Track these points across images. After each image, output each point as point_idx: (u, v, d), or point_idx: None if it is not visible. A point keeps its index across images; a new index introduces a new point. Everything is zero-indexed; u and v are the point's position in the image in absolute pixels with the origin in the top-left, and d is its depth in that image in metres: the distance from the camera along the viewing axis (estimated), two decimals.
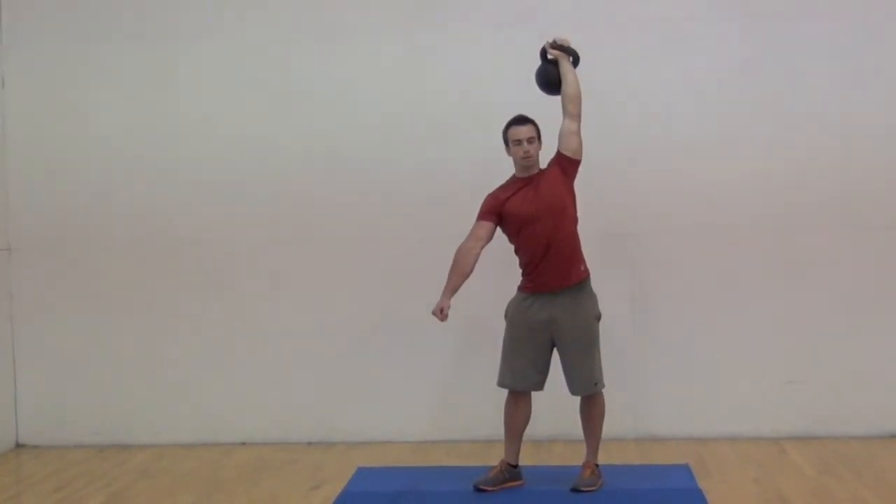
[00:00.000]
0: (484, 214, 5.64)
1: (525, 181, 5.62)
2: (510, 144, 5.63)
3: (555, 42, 5.72)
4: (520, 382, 5.68)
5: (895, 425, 6.63)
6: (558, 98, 5.68)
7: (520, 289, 5.72)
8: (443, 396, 6.74)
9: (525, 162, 5.60)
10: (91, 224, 6.92)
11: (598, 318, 5.70)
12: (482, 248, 5.61)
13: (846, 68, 6.61)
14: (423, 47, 6.77)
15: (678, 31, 6.67)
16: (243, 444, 6.85)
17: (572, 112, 5.64)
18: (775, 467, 6.06)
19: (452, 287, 5.58)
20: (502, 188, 5.68)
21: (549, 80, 5.72)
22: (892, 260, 6.63)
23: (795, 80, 6.62)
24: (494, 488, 5.66)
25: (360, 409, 6.82)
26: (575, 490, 5.60)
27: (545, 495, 5.62)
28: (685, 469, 6.00)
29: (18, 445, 6.96)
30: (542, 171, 5.65)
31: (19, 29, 6.92)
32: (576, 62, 5.73)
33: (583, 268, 5.64)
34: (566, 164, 5.63)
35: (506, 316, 5.75)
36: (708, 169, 6.67)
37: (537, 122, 5.66)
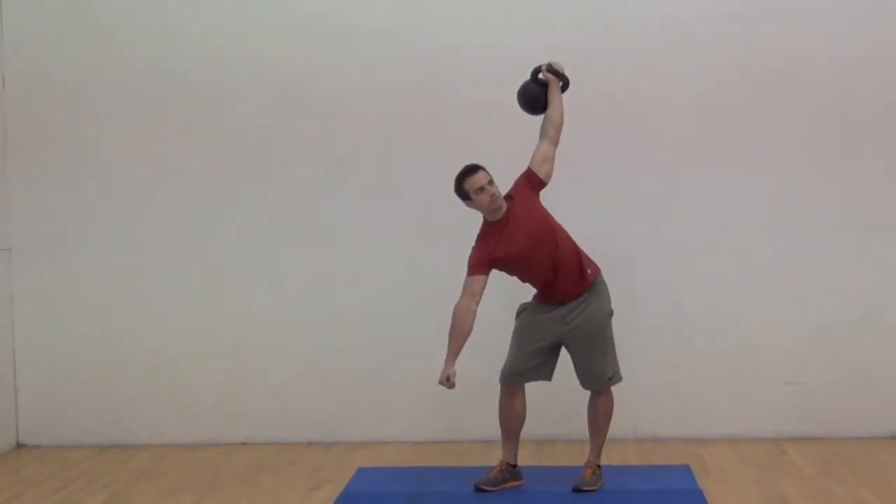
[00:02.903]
0: (475, 268, 5.52)
1: (503, 221, 5.54)
2: (472, 195, 5.50)
3: (550, 66, 5.72)
4: (520, 371, 5.67)
5: (895, 425, 6.64)
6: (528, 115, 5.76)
7: (535, 298, 5.73)
8: (443, 397, 6.71)
9: (494, 205, 5.50)
10: (91, 224, 6.92)
11: (611, 314, 5.70)
12: (478, 303, 5.49)
13: (846, 68, 6.61)
14: (426, 49, 6.76)
15: (678, 32, 6.66)
16: (244, 444, 6.86)
17: (554, 137, 5.66)
18: (775, 468, 6.06)
19: (455, 352, 5.49)
20: (485, 237, 5.56)
21: (534, 100, 5.73)
22: (891, 260, 6.63)
23: (795, 81, 6.62)
24: (495, 488, 5.67)
25: (360, 410, 6.83)
26: (576, 490, 5.61)
27: (545, 495, 5.63)
28: (685, 469, 6.00)
29: (19, 446, 6.96)
30: (511, 201, 5.58)
31: (20, 28, 6.91)
32: (564, 88, 5.74)
33: (590, 271, 5.63)
34: (536, 184, 5.63)
35: (517, 315, 5.76)
36: (708, 169, 6.67)
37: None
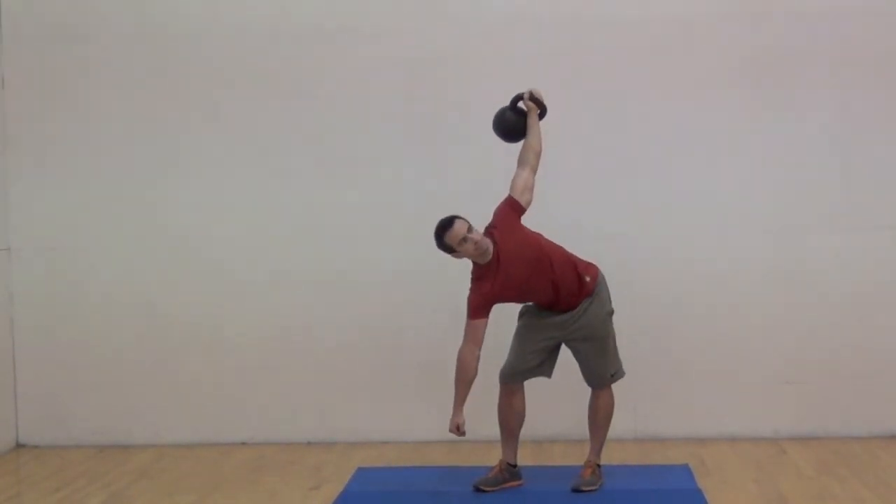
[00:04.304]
0: (475, 313, 5.49)
1: (494, 261, 5.49)
2: (456, 248, 5.46)
3: (531, 94, 5.72)
4: (521, 370, 5.67)
5: (895, 425, 6.64)
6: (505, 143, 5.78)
7: (537, 304, 5.73)
8: (443, 397, 6.71)
9: (479, 250, 5.45)
10: (90, 224, 6.92)
11: (611, 313, 5.70)
12: (481, 347, 5.49)
13: (846, 68, 6.61)
14: (426, 49, 6.76)
15: (679, 33, 6.66)
16: (243, 443, 6.86)
17: (535, 165, 5.65)
18: (775, 468, 6.07)
19: (462, 398, 5.51)
20: (480, 281, 5.50)
21: (512, 128, 5.72)
22: (891, 259, 6.63)
23: (796, 82, 6.63)
24: (494, 488, 5.67)
25: (360, 410, 6.83)
26: (575, 490, 5.61)
27: (545, 495, 5.63)
28: (685, 469, 6.01)
29: (19, 445, 6.96)
30: (496, 233, 5.54)
31: (20, 28, 6.91)
32: (541, 116, 5.74)
33: (588, 278, 5.61)
34: (519, 211, 5.59)
35: (519, 317, 5.76)
36: (708, 170, 6.67)
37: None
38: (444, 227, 5.49)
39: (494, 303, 5.53)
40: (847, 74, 6.61)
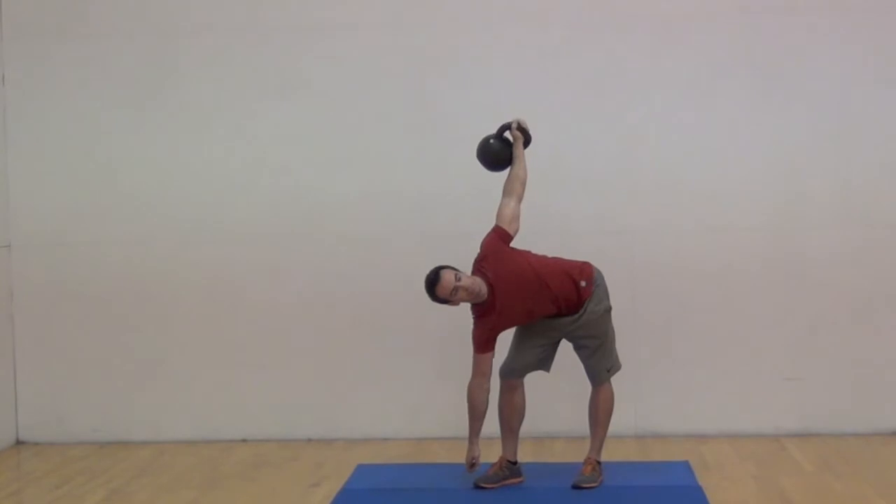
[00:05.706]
0: (481, 347, 5.52)
1: (491, 299, 5.49)
2: (449, 299, 5.46)
3: (518, 124, 5.71)
4: (520, 366, 5.68)
5: (895, 422, 6.64)
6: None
7: None
8: (443, 394, 6.74)
9: (472, 294, 5.45)
10: (91, 221, 6.92)
11: (609, 310, 5.70)
12: (489, 379, 5.54)
13: (847, 65, 6.61)
14: (424, 48, 6.76)
15: (678, 29, 6.66)
16: (244, 440, 6.86)
17: (522, 195, 5.65)
18: (775, 464, 6.07)
19: (476, 431, 5.57)
20: (483, 318, 5.52)
21: (499, 157, 5.70)
22: (892, 257, 6.63)
23: (796, 79, 6.62)
24: (494, 485, 5.67)
25: (360, 407, 6.83)
26: (575, 487, 5.61)
27: (545, 492, 5.63)
28: (685, 466, 6.01)
29: (19, 442, 6.96)
30: (488, 266, 5.52)
31: (21, 25, 6.91)
32: (526, 144, 5.73)
33: (584, 283, 5.60)
34: (508, 240, 5.59)
35: None
36: (708, 167, 6.67)
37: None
38: (433, 281, 5.48)
39: (499, 333, 5.57)
40: (848, 72, 6.61)
